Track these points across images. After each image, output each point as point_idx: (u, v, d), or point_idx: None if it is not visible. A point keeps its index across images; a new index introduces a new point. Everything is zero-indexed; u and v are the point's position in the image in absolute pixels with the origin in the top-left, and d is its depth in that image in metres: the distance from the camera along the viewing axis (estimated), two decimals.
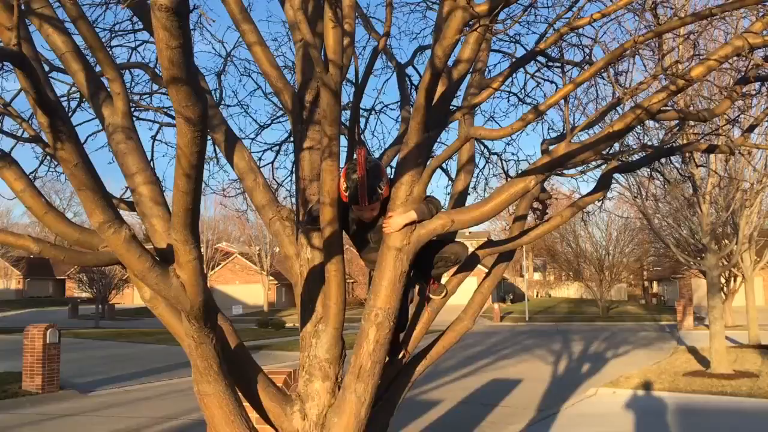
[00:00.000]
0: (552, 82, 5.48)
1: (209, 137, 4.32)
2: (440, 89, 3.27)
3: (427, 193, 3.27)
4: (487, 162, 5.97)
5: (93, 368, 18.90)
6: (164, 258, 3.10)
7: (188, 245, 2.41)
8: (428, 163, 3.18)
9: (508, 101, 5.63)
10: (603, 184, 3.95)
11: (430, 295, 3.72)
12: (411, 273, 3.33)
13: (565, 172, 4.47)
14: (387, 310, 3.18)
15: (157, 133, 6.16)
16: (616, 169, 4.03)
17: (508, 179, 5.19)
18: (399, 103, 5.34)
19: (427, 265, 3.55)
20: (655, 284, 67.64)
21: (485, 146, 5.81)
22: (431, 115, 3.14)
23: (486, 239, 3.92)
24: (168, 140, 6.55)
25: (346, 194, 3.23)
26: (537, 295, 74.29)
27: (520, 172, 3.25)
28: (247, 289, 60.50)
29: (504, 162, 5.88)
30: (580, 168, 4.60)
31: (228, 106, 6.71)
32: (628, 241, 49.62)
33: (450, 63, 3.44)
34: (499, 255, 4.04)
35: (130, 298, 63.27)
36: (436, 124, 3.25)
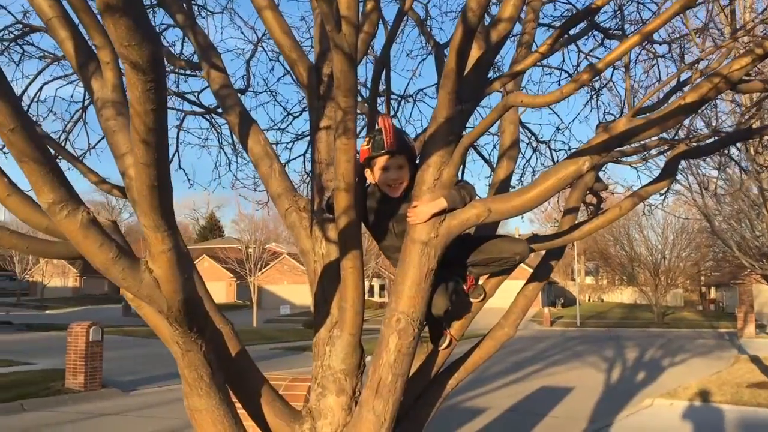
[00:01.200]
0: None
1: (224, 120, 3.91)
2: (475, 53, 2.78)
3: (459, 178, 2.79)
4: (534, 151, 5.42)
5: (137, 366, 18.89)
6: None
7: (160, 232, 1.98)
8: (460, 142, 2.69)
9: (559, 82, 5.07)
10: (668, 172, 3.40)
11: (470, 299, 3.23)
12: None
13: (622, 159, 3.92)
14: (411, 315, 2.70)
15: (182, 122, 5.83)
16: (684, 154, 3.46)
17: None
18: (436, 86, 4.87)
19: (459, 263, 3.07)
20: (713, 290, 65.34)
21: (532, 133, 5.27)
22: (464, 84, 2.65)
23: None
24: (192, 128, 6.19)
25: (367, 147, 2.89)
26: (589, 300, 72.52)
27: (573, 151, 2.73)
28: (295, 289, 60.70)
29: (554, 152, 5.33)
30: (640, 155, 4.05)
31: (257, 93, 6.32)
32: (685, 244, 47.94)
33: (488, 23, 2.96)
34: (546, 253, 3.52)
35: None
36: (471, 95, 2.76)
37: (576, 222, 3.63)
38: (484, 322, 5.75)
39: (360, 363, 2.96)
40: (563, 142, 5.85)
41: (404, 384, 2.77)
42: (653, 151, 3.98)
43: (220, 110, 4.85)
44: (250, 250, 48.11)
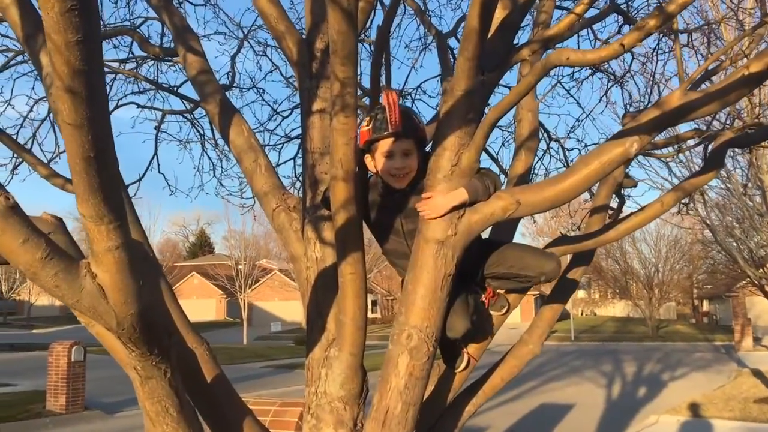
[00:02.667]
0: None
1: (203, 109, 3.44)
2: (500, 14, 2.32)
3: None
4: (546, 150, 4.96)
5: (122, 387, 18.15)
6: None
7: (104, 223, 1.50)
8: (483, 120, 2.22)
9: (572, 74, 4.60)
10: (715, 162, 2.95)
11: (490, 311, 2.76)
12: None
13: (656, 152, 3.47)
14: (425, 330, 2.22)
15: (161, 122, 5.35)
16: (732, 142, 3.02)
17: None
18: (440, 77, 4.42)
19: (474, 270, 2.59)
20: (705, 303, 64.99)
21: (544, 129, 4.81)
22: (487, 51, 2.20)
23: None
24: (175, 132, 5.71)
25: (368, 128, 2.43)
26: (582, 314, 72.03)
27: (618, 131, 2.27)
28: (286, 305, 59.93)
29: (566, 150, 4.87)
30: (675, 147, 3.60)
31: (242, 90, 5.86)
32: (678, 257, 47.62)
33: None
34: (573, 258, 3.06)
35: None
36: (495, 64, 2.30)
37: (607, 221, 3.18)
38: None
39: (362, 388, 2.48)
40: (578, 140, 5.42)
41: (416, 414, 2.29)
42: (689, 141, 3.53)
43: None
44: (241, 266, 47.42)
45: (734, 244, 14.06)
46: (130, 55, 4.47)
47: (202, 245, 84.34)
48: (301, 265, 2.78)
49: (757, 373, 19.05)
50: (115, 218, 1.51)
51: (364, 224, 2.44)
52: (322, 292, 2.60)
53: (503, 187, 2.39)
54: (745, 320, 30.85)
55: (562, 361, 27.01)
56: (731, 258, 14.53)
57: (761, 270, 14.25)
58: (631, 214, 2.83)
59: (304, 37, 2.92)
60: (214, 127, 4.49)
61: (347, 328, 2.35)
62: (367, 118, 2.44)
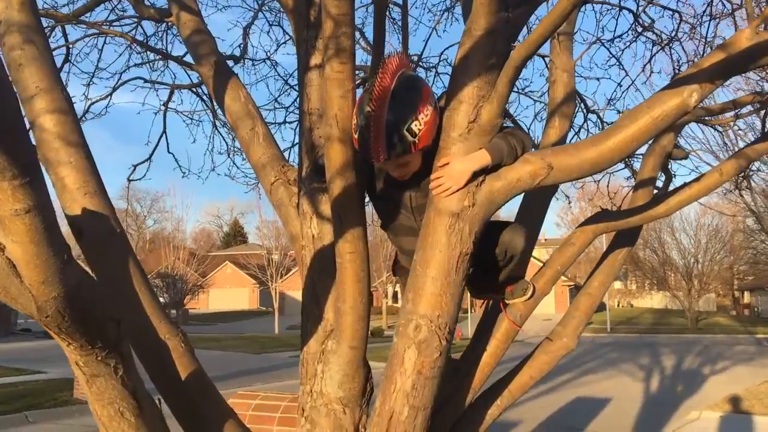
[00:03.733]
0: None
1: (197, 72, 3.10)
2: None
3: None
4: (583, 123, 4.51)
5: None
6: (80, 231, 1.87)
7: (7, 179, 1.15)
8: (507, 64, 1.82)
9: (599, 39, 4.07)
10: None
11: (507, 301, 2.37)
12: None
13: (709, 118, 3.03)
14: (436, 320, 1.85)
15: (170, 98, 5.04)
16: None
17: None
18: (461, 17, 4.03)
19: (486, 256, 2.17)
20: (746, 294, 63.32)
21: (581, 99, 4.37)
22: None
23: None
24: (184, 109, 5.38)
25: (356, 137, 1.88)
26: (618, 305, 70.77)
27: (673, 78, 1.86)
28: None
29: (605, 124, 4.42)
30: (732, 113, 3.16)
31: (254, 62, 5.51)
32: (719, 247, 46.36)
33: None
34: (615, 237, 2.65)
35: (205, 303, 63.71)
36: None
37: (655, 195, 2.77)
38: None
39: (364, 388, 2.12)
40: (619, 111, 4.94)
41: (426, 420, 1.91)
42: (749, 107, 3.08)
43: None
44: (273, 256, 47.45)
45: None
46: (127, 20, 4.15)
47: (236, 235, 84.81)
48: (298, 245, 2.42)
49: None
50: (22, 172, 1.16)
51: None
52: (319, 276, 2.24)
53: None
54: None
55: (598, 353, 26.36)
56: None
57: None
58: (684, 185, 2.41)
59: None
60: (211, 95, 4.15)
61: (347, 317, 1.99)
62: (354, 120, 1.87)
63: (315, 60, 2.41)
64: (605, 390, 15.58)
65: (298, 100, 5.54)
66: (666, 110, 1.78)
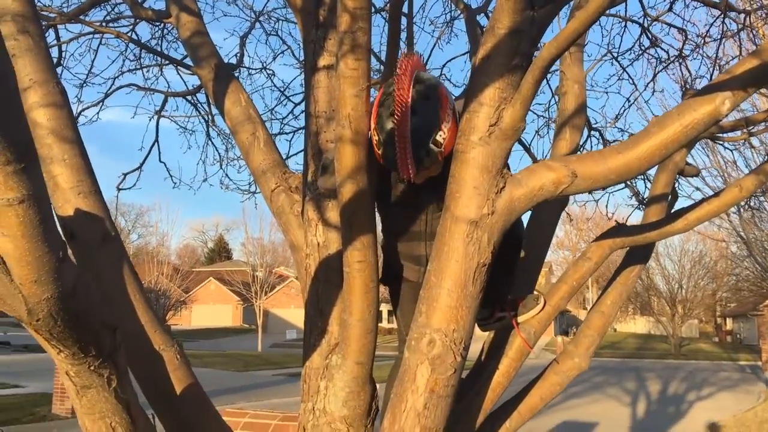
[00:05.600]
0: None
1: (197, 75, 3.00)
2: None
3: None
4: (587, 139, 4.44)
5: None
6: (72, 234, 1.75)
7: (0, 163, 1.03)
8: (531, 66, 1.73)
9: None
10: None
11: (518, 319, 2.26)
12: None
13: (723, 135, 2.97)
14: (451, 335, 1.74)
15: (163, 106, 4.93)
16: None
17: None
18: (468, 54, 3.96)
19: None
20: (728, 321, 63.58)
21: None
22: None
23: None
24: (177, 117, 5.26)
25: (380, 153, 1.84)
26: None
27: (704, 85, 1.78)
28: (302, 313, 59.57)
29: (607, 142, 4.36)
30: (744, 130, 3.09)
31: (251, 71, 5.41)
32: (702, 273, 46.62)
33: None
34: (627, 254, 2.56)
35: (188, 319, 63.06)
36: None
37: (667, 212, 2.68)
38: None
39: (370, 406, 2.00)
40: (620, 129, 4.89)
41: None
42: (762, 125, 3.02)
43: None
44: (258, 273, 47.14)
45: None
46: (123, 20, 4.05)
47: (221, 251, 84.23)
48: (301, 255, 2.31)
49: None
50: (16, 157, 1.05)
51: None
52: (324, 286, 2.12)
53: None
54: None
55: (583, 376, 26.22)
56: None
57: None
58: (703, 200, 2.32)
59: None
60: (210, 99, 4.04)
61: (353, 331, 1.88)
62: (374, 116, 1.82)
63: (323, 61, 2.31)
64: (592, 414, 15.47)
65: (294, 109, 5.48)
66: (698, 117, 1.70)
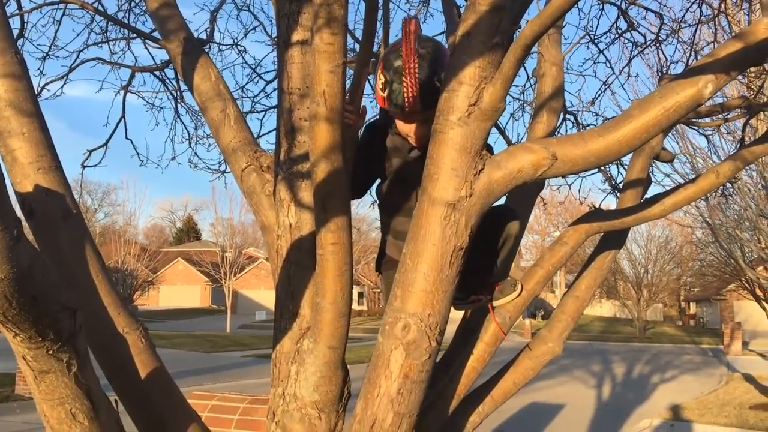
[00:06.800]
0: None
1: (164, 49, 2.89)
2: None
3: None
4: (561, 123, 4.41)
5: (97, 370, 17.62)
6: (31, 211, 1.67)
7: None
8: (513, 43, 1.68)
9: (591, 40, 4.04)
10: None
11: (494, 303, 2.23)
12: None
13: (699, 120, 2.96)
14: (426, 320, 1.69)
15: (130, 82, 4.78)
16: None
17: None
18: (444, 34, 3.90)
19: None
20: (692, 305, 64.91)
21: None
22: None
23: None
24: (144, 93, 5.12)
25: (384, 95, 2.02)
26: None
27: (687, 68, 1.75)
28: (272, 294, 59.49)
29: (581, 126, 4.34)
30: (718, 116, 3.08)
31: (221, 47, 5.29)
32: (668, 258, 47.42)
33: None
34: (602, 239, 2.54)
35: (155, 300, 62.52)
36: None
37: (641, 198, 2.67)
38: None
39: (342, 391, 1.95)
40: (595, 113, 4.90)
41: (411, 427, 1.76)
42: (737, 110, 3.01)
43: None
44: (227, 254, 46.82)
45: (737, 244, 13.60)
46: None
47: (189, 231, 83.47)
48: (272, 236, 2.25)
49: (748, 378, 18.71)
50: None
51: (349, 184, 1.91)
52: (296, 268, 2.07)
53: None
54: (734, 324, 30.56)
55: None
56: (732, 259, 14.03)
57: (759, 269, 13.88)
58: (680, 186, 2.31)
59: None
60: (178, 74, 3.93)
61: (326, 314, 1.82)
62: (381, 79, 2.01)
63: (297, 36, 2.23)
64: (559, 396, 15.68)
65: (266, 87, 5.37)
66: (680, 101, 1.67)
